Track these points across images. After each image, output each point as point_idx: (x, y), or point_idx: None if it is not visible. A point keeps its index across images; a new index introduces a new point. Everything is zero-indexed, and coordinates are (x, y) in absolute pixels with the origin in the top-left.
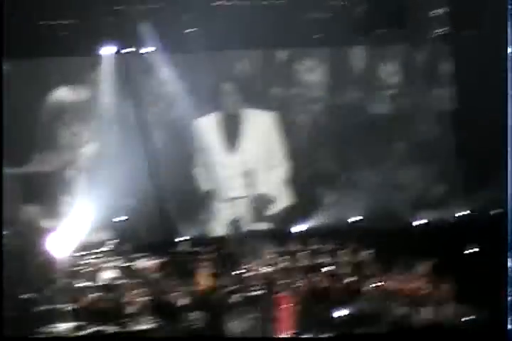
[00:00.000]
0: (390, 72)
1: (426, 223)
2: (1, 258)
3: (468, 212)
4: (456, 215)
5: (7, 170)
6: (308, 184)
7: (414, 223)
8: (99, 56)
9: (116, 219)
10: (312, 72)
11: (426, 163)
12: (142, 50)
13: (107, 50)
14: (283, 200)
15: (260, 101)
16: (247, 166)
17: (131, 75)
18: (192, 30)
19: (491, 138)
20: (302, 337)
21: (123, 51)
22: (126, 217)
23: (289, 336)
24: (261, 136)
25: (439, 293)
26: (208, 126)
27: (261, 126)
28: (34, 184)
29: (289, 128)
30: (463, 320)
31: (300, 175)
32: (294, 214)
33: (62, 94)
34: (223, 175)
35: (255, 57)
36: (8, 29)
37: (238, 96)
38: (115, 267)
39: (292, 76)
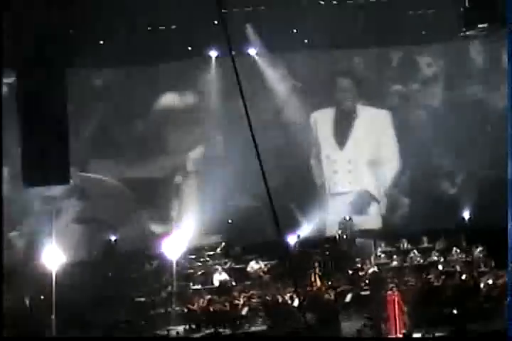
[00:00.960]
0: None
1: None
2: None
3: None
4: None
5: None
6: (421, 182)
7: None
8: (206, 59)
9: (227, 221)
10: (428, 69)
11: None
12: (250, 51)
13: (214, 53)
14: (390, 198)
15: (375, 98)
16: (354, 162)
17: (241, 75)
18: (299, 29)
19: None
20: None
21: (230, 53)
22: (236, 219)
23: (402, 336)
24: (373, 133)
25: None
26: (322, 121)
27: (374, 124)
28: (146, 189)
29: (405, 125)
30: None
31: (413, 173)
32: (404, 212)
33: (171, 99)
34: (331, 170)
35: (369, 54)
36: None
37: (354, 92)
38: (227, 269)
39: (408, 73)
